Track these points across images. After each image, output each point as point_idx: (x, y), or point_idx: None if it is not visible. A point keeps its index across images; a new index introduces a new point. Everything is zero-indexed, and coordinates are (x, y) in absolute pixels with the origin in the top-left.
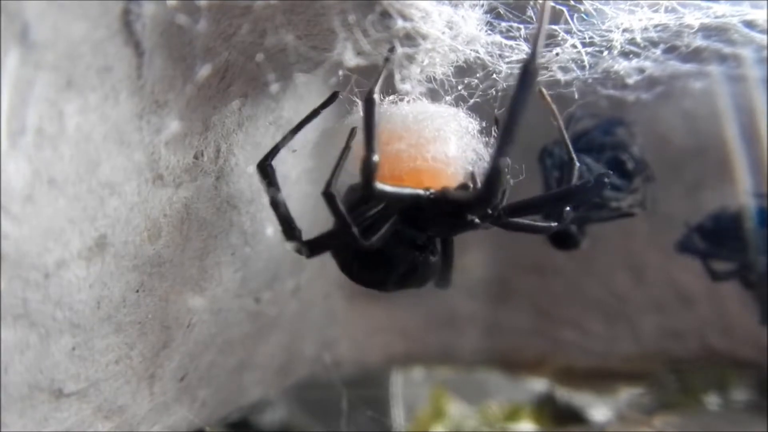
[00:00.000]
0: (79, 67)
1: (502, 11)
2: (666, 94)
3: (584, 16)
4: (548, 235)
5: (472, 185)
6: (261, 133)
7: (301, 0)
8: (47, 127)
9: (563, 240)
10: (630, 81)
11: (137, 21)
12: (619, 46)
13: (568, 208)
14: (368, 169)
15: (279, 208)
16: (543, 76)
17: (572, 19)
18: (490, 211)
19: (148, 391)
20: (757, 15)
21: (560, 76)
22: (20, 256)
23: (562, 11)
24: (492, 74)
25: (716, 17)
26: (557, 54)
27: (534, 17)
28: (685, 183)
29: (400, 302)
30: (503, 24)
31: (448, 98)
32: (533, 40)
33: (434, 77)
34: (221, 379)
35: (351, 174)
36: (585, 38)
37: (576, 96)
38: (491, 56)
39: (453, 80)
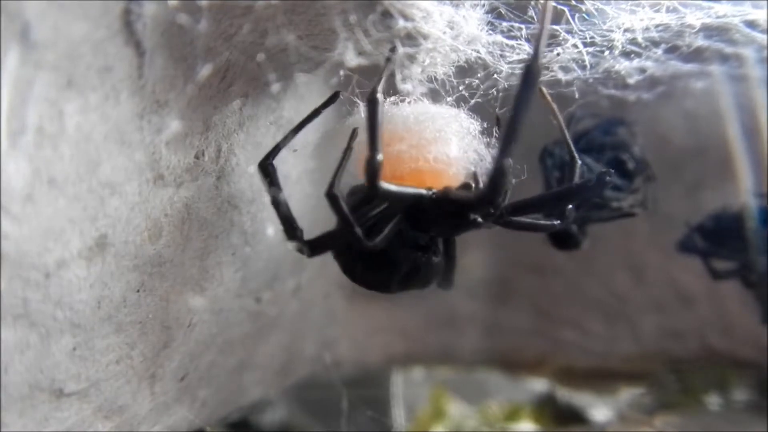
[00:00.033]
0: (79, 66)
1: (503, 11)
2: (667, 94)
3: (585, 16)
4: (549, 235)
5: (474, 185)
6: (262, 133)
7: (302, 0)
8: (47, 126)
9: (564, 240)
10: (631, 81)
11: (138, 21)
12: (620, 46)
13: (570, 207)
14: (372, 168)
15: (280, 207)
16: (544, 76)
17: (573, 18)
18: (492, 210)
19: (149, 391)
20: (759, 15)
21: (561, 75)
22: (20, 256)
23: (564, 11)
24: (493, 74)
25: (717, 17)
26: (558, 54)
27: (535, 17)
28: (685, 183)
29: (400, 302)
30: (504, 24)
31: (449, 99)
32: (536, 40)
33: (435, 77)
34: (221, 379)
35: (353, 175)
36: (586, 38)
37: (577, 96)
38: (492, 56)
39: (454, 81)
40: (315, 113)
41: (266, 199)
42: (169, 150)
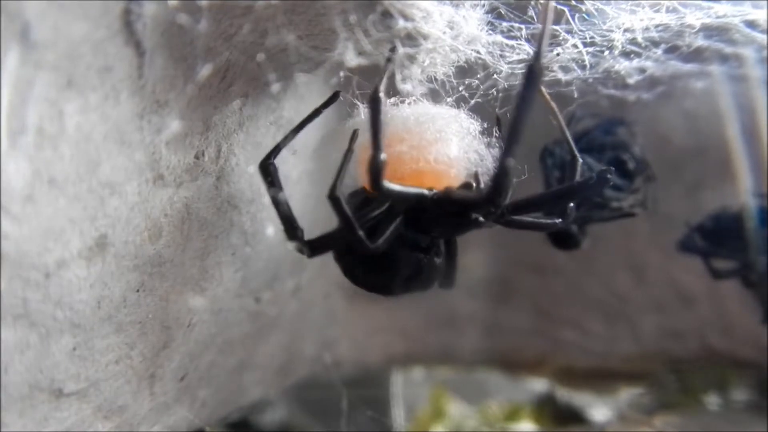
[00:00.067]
0: (79, 66)
1: (503, 11)
2: (667, 94)
3: (585, 16)
4: (549, 235)
5: (475, 184)
6: (262, 133)
7: (302, 0)
8: (47, 126)
9: (564, 240)
10: (631, 81)
11: (138, 21)
12: (620, 46)
13: (571, 205)
14: (376, 168)
15: (281, 207)
16: (544, 76)
17: (573, 18)
18: (494, 210)
19: (149, 391)
20: (758, 15)
21: (561, 75)
22: (20, 256)
23: (564, 11)
24: (493, 74)
25: (717, 17)
26: (558, 54)
27: (535, 17)
28: (685, 183)
29: (400, 302)
30: (504, 24)
31: (449, 99)
32: (538, 40)
33: (435, 77)
34: (221, 379)
35: (353, 177)
36: (586, 38)
37: (576, 95)
38: (492, 56)
39: (454, 81)
40: (315, 113)
41: (266, 199)
42: (169, 150)
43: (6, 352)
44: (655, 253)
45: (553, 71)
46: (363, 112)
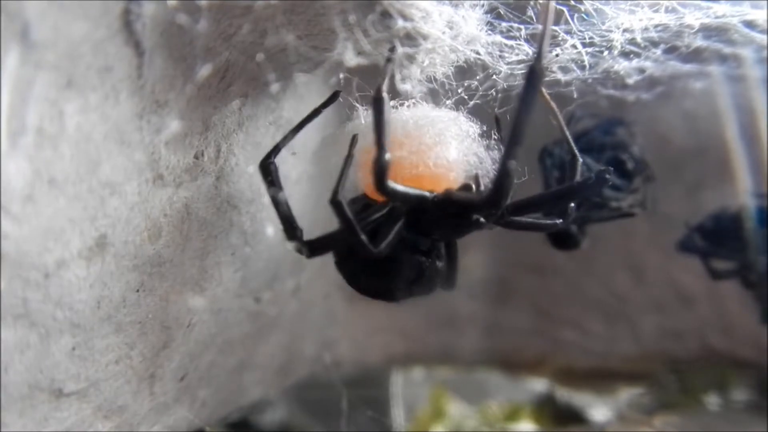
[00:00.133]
0: (79, 66)
1: (502, 11)
2: (666, 94)
3: (584, 16)
4: (548, 235)
5: (475, 186)
6: (261, 133)
7: (301, 0)
8: (47, 126)
9: (563, 240)
10: (630, 81)
11: (137, 21)
12: (619, 46)
13: (572, 205)
14: (381, 168)
15: (280, 207)
16: (545, 77)
17: (572, 19)
18: (495, 211)
19: (148, 391)
20: (757, 15)
21: (560, 76)
22: (20, 256)
23: (563, 11)
24: (492, 75)
25: (716, 17)
26: (557, 55)
27: (534, 17)
28: (685, 183)
29: (400, 302)
30: (503, 24)
31: (448, 102)
32: (538, 41)
33: (434, 78)
34: (221, 379)
35: (353, 182)
36: (585, 38)
37: (575, 96)
38: (491, 57)
39: (453, 83)
40: (315, 112)
41: (266, 199)
42: (169, 150)
43: (6, 352)
44: (654, 253)
45: (552, 72)
46: (362, 114)
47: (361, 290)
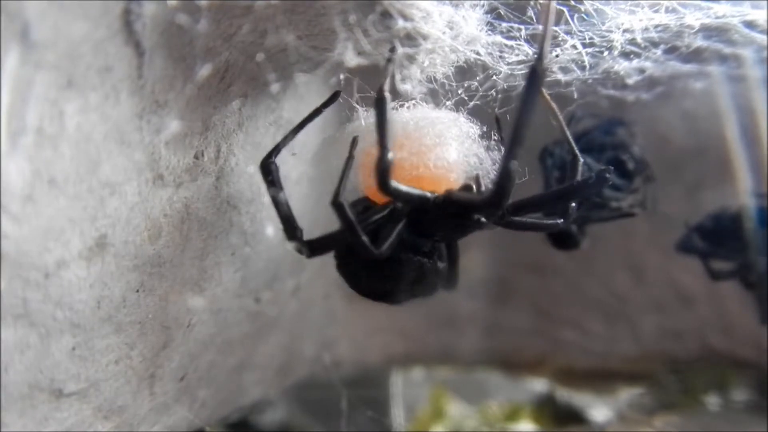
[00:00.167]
0: (79, 66)
1: (502, 12)
2: (666, 94)
3: (585, 17)
4: (548, 235)
5: (475, 187)
6: (261, 133)
7: (301, 0)
8: (47, 126)
9: (563, 240)
10: (630, 81)
11: (137, 21)
12: (619, 47)
13: (573, 205)
14: (383, 167)
15: (281, 207)
16: (546, 78)
17: (573, 19)
18: (496, 211)
19: (148, 391)
20: (758, 15)
21: (561, 76)
22: (20, 256)
23: (563, 12)
24: (492, 76)
25: (717, 18)
26: (557, 55)
27: (535, 18)
28: (685, 183)
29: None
30: (504, 24)
31: (448, 103)
32: (539, 42)
33: (435, 79)
34: (221, 379)
35: (353, 184)
36: (585, 39)
37: (576, 96)
38: (492, 57)
39: (453, 83)
40: (316, 112)
41: (266, 199)
42: (169, 150)
43: (6, 352)
44: (654, 253)
45: (552, 72)
46: (363, 116)
47: (363, 293)
